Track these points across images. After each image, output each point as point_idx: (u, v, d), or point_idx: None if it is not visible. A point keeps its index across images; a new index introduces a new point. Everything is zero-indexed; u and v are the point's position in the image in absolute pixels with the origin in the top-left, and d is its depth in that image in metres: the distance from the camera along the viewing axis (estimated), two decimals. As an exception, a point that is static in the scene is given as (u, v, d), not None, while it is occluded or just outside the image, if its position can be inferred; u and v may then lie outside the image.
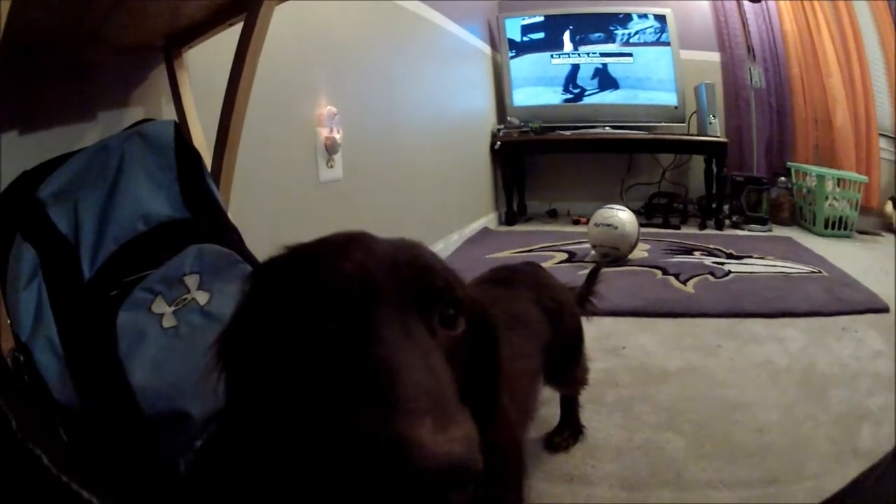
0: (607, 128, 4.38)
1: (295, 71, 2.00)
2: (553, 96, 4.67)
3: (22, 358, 0.92)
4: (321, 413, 0.48)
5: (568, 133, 4.33)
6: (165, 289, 1.02)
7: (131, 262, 1.01)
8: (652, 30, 4.49)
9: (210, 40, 1.49)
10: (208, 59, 1.56)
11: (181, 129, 1.21)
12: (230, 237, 1.16)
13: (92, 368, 0.93)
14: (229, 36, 1.39)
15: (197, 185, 1.16)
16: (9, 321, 0.95)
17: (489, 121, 4.52)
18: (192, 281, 1.05)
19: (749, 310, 2.30)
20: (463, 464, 0.39)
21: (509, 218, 4.50)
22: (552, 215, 4.90)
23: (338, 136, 2.15)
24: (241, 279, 1.01)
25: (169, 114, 1.49)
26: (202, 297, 1.05)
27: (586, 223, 4.32)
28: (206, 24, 1.42)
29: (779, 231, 4.15)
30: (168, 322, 1.00)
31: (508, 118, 4.51)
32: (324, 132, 2.12)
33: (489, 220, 4.34)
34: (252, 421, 0.57)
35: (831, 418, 1.48)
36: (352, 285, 0.51)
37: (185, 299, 1.03)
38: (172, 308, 1.02)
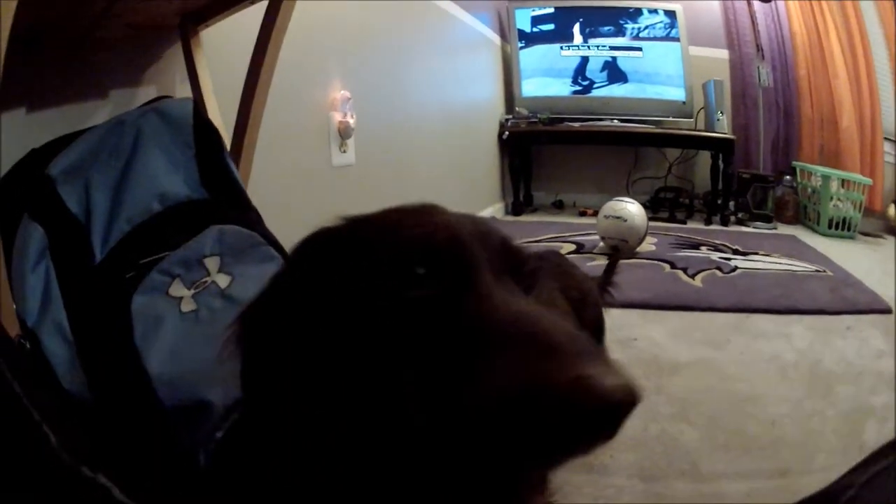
0: (615, 121, 4.39)
1: (310, 55, 1.99)
2: (562, 88, 4.67)
3: (28, 345, 0.86)
4: (398, 389, 0.44)
5: (576, 125, 4.34)
6: (184, 271, 0.96)
7: (146, 244, 0.96)
8: (662, 25, 4.50)
9: (225, 20, 1.46)
10: (224, 38, 1.54)
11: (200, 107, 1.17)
12: (251, 218, 1.11)
13: (105, 356, 0.88)
14: (244, 16, 1.39)
15: (216, 165, 1.11)
16: (14, 306, 0.86)
17: (497, 110, 4.51)
18: (212, 263, 0.99)
19: (756, 305, 2.32)
20: (635, 400, 0.38)
21: (516, 208, 4.50)
22: (558, 206, 4.89)
23: (351, 121, 2.14)
24: (263, 261, 1.06)
25: (184, 93, 1.45)
26: (223, 280, 0.99)
27: (593, 215, 4.34)
28: (224, 2, 1.39)
29: (783, 229, 4.17)
30: (187, 306, 0.94)
31: (517, 108, 4.51)
32: (337, 116, 2.11)
33: (496, 209, 4.34)
34: (284, 407, 0.52)
35: (838, 414, 1.51)
36: (452, 249, 0.49)
37: (205, 282, 0.97)
38: (192, 291, 0.96)
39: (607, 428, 0.38)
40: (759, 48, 4.50)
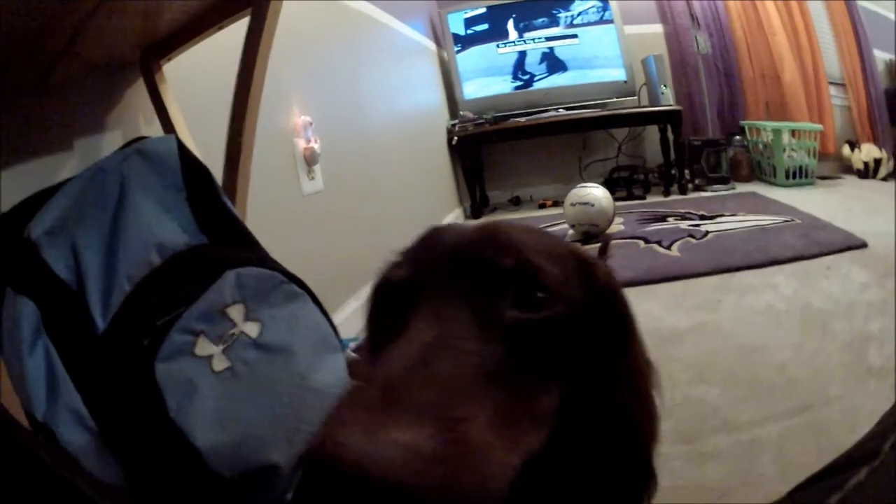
0: (560, 110, 4.41)
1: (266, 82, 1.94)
2: (503, 85, 4.70)
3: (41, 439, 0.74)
4: None
5: (522, 120, 4.35)
6: (207, 326, 0.86)
7: (154, 303, 0.85)
8: (594, 9, 4.56)
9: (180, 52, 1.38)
10: (182, 71, 1.44)
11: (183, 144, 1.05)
12: (263, 256, 1.02)
13: (140, 438, 0.78)
14: (203, 46, 1.36)
15: (211, 205, 1.01)
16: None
17: (443, 117, 4.52)
18: (236, 312, 0.90)
19: (737, 264, 2.36)
20: (380, 471, 0.30)
21: (475, 211, 4.50)
22: (516, 203, 4.90)
23: (316, 146, 2.09)
24: (289, 300, 0.97)
25: (151, 134, 1.30)
26: (252, 329, 0.90)
27: (552, 206, 4.39)
28: (188, 31, 1.30)
29: (742, 187, 4.25)
30: (219, 364, 0.85)
31: (461, 112, 4.50)
32: (301, 143, 2.07)
33: (456, 215, 4.33)
34: None
35: (839, 347, 1.57)
36: (398, 282, 0.50)
37: (233, 334, 0.88)
38: (220, 347, 0.86)
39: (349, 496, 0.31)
40: (693, 17, 4.59)
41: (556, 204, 4.39)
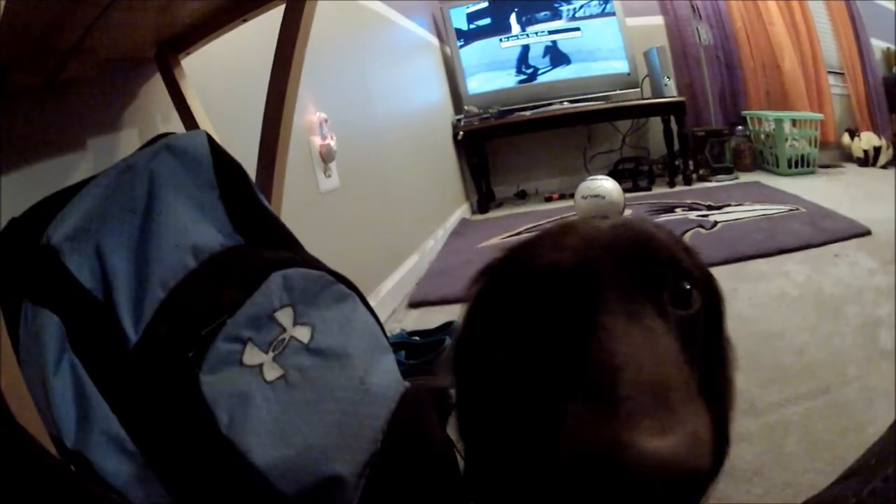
0: (565, 103, 4.42)
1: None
2: (507, 79, 4.71)
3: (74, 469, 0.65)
4: (536, 417, 0.45)
5: (527, 114, 4.35)
6: (254, 333, 0.80)
7: (195, 310, 0.78)
8: (596, 2, 4.57)
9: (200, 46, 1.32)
10: (197, 64, 1.38)
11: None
12: (307, 256, 0.98)
13: (192, 461, 0.71)
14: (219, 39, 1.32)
15: (246, 203, 0.96)
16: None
17: (448, 112, 4.54)
18: (284, 316, 0.84)
19: (748, 252, 2.39)
20: (684, 467, 0.34)
21: (482, 206, 4.51)
22: (521, 197, 4.92)
23: (332, 143, 2.09)
24: (339, 301, 0.93)
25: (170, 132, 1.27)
26: (303, 333, 0.85)
27: (559, 199, 4.42)
28: (210, 24, 1.24)
29: (745, 177, 4.27)
30: (271, 373, 0.79)
31: (466, 107, 4.53)
32: (317, 140, 2.07)
33: (463, 210, 4.34)
34: (480, 430, 0.56)
35: (853, 330, 1.62)
36: (567, 274, 0.48)
37: (283, 340, 0.82)
38: (271, 354, 0.80)
39: (654, 494, 0.35)
40: (694, 9, 4.62)
41: (563, 197, 4.43)
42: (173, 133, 0.99)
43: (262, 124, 1.21)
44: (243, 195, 0.97)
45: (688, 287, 0.49)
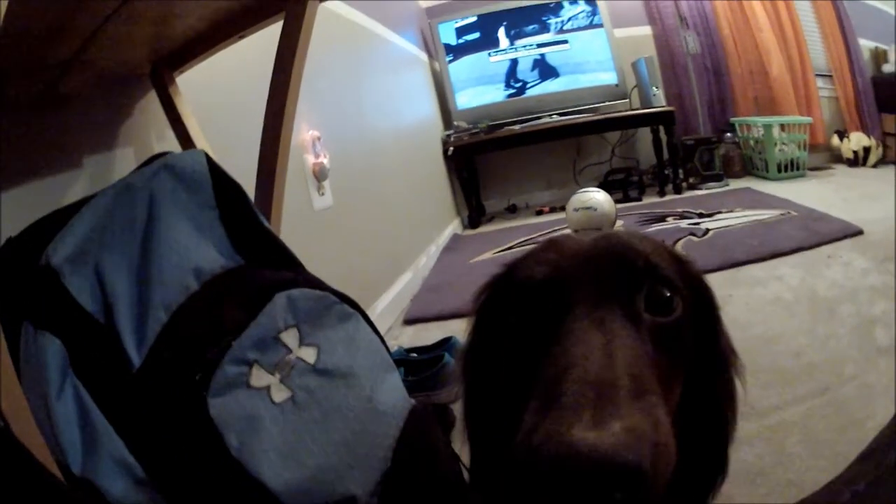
0: (554, 116, 4.43)
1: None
2: (496, 94, 4.73)
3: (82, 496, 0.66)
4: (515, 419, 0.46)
5: (517, 127, 4.35)
6: (260, 355, 0.79)
7: (198, 333, 0.78)
8: (584, 14, 4.61)
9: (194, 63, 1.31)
10: (194, 83, 1.38)
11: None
12: (310, 276, 0.97)
13: (204, 485, 0.70)
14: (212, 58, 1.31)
15: (246, 223, 0.96)
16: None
17: (438, 128, 4.54)
18: (290, 337, 0.84)
19: (742, 258, 2.39)
20: (615, 460, 0.35)
21: (473, 221, 4.50)
22: (512, 211, 4.91)
23: (325, 161, 2.09)
24: (343, 321, 0.93)
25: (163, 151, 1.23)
26: (309, 354, 0.84)
27: (550, 212, 4.41)
28: (206, 40, 1.23)
29: (735, 184, 4.29)
30: (279, 395, 0.79)
31: (455, 122, 4.53)
32: (311, 158, 2.06)
33: (455, 226, 4.34)
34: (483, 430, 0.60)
35: (849, 330, 1.64)
36: (541, 285, 0.51)
37: (289, 361, 0.82)
38: (277, 376, 0.80)
39: (581, 493, 0.35)
40: (682, 18, 4.65)
41: (554, 210, 4.43)
42: (171, 152, 0.98)
43: (261, 142, 1.21)
44: (243, 215, 0.96)
45: (667, 294, 0.51)
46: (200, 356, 0.75)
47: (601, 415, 0.37)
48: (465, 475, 0.91)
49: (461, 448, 0.65)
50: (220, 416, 0.72)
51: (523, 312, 0.52)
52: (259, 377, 0.78)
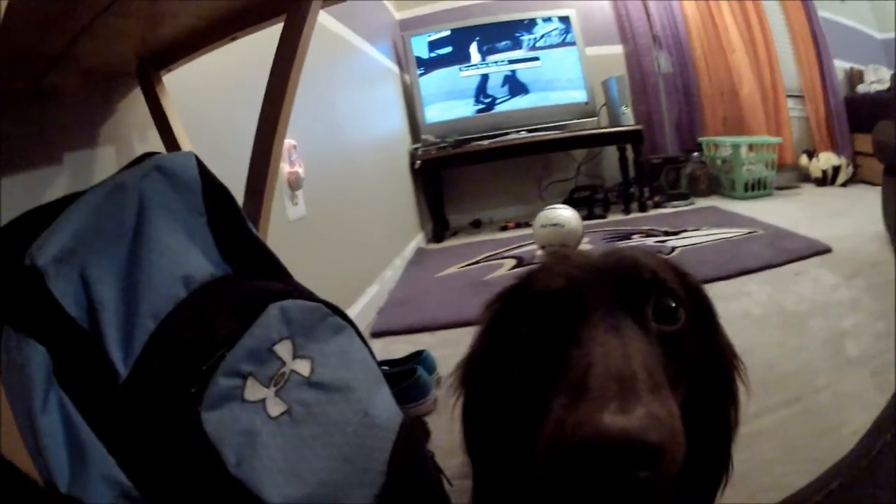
0: (522, 132, 4.44)
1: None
2: (465, 108, 4.72)
3: None
4: (533, 421, 0.50)
5: (485, 143, 4.35)
6: (255, 367, 0.76)
7: (185, 344, 0.73)
8: (557, 31, 4.65)
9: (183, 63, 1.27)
10: (180, 83, 1.34)
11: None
12: (299, 287, 0.93)
13: (201, 502, 0.68)
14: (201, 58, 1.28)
15: (235, 230, 0.93)
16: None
17: (406, 141, 4.53)
18: (284, 349, 0.81)
19: (710, 275, 2.41)
20: (640, 438, 0.40)
21: (437, 235, 4.47)
22: (476, 226, 4.90)
23: (300, 171, 2.06)
24: (337, 333, 0.92)
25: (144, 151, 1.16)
26: (303, 367, 0.82)
27: (514, 227, 4.42)
28: (196, 40, 1.19)
29: (701, 203, 4.34)
30: (275, 408, 0.76)
31: (423, 136, 4.51)
32: (286, 167, 2.02)
33: (419, 240, 4.31)
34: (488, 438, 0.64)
35: (819, 343, 1.69)
36: (559, 296, 0.55)
37: (284, 374, 0.79)
38: (272, 389, 0.77)
39: (619, 465, 0.40)
40: (654, 38, 4.71)
41: (519, 226, 4.44)
42: (160, 153, 0.94)
43: (253, 147, 1.17)
44: (232, 221, 0.93)
45: (672, 305, 0.56)
46: (193, 368, 0.71)
47: (626, 403, 0.42)
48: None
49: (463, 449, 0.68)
50: (215, 432, 0.69)
51: (541, 320, 0.56)
52: (254, 390, 0.75)
